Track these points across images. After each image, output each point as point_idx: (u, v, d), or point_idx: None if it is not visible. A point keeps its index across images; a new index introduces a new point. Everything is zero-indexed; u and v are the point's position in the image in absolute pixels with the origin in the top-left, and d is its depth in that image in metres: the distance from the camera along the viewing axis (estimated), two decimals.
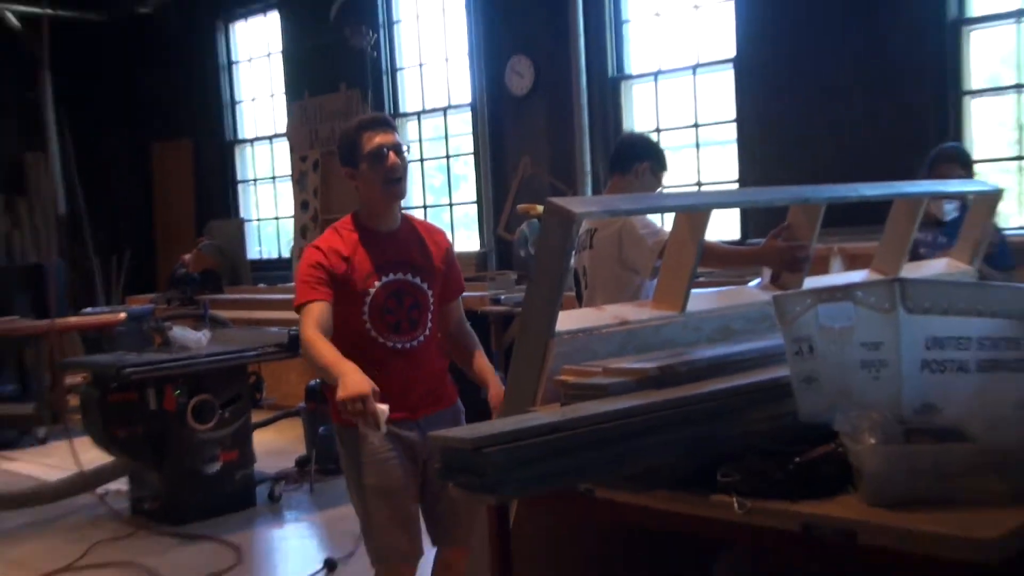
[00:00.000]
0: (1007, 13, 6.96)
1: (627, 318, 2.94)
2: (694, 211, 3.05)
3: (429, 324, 3.64)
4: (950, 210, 4.91)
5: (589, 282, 4.35)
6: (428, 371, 3.65)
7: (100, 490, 6.30)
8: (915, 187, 4.32)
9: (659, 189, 4.45)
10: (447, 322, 3.78)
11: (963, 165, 5.15)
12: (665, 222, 5.45)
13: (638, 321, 2.93)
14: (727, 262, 4.15)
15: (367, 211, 3.61)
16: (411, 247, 3.62)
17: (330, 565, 5.22)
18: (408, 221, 3.71)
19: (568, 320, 2.77)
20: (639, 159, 4.37)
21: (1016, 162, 7.07)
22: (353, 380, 3.04)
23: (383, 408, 3.04)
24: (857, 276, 3.76)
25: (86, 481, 6.19)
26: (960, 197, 4.86)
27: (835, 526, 2.01)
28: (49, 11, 5.35)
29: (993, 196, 4.11)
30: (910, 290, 2.21)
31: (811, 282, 3.40)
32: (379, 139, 3.49)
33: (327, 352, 3.23)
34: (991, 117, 7.19)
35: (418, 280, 3.59)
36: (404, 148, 3.56)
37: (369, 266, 3.50)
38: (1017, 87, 7.00)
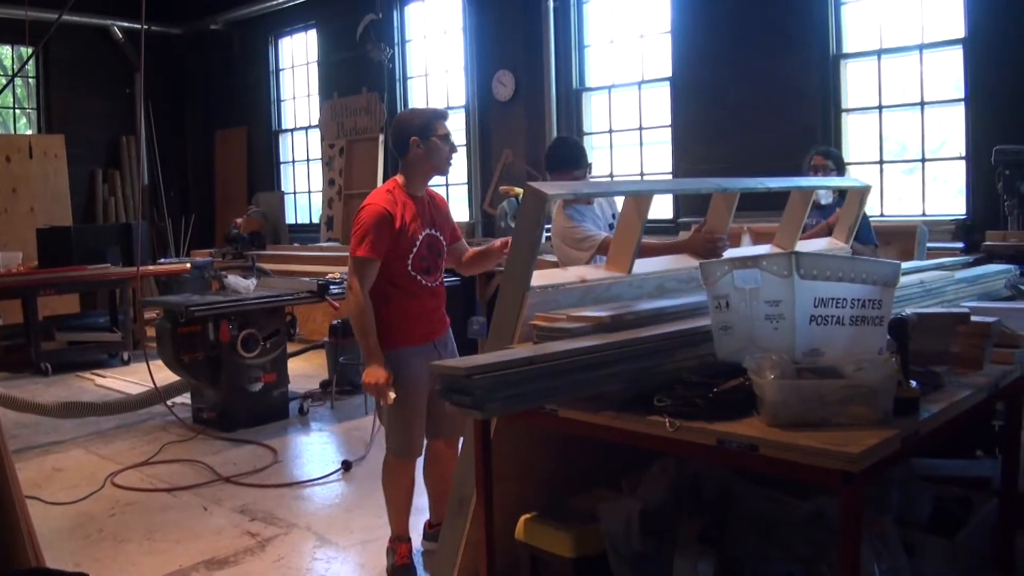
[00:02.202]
0: (872, 51, 7.01)
1: (586, 277, 2.94)
2: (639, 196, 3.06)
3: (443, 267, 3.73)
4: (824, 194, 4.97)
5: None
6: (441, 303, 3.75)
7: (169, 402, 6.28)
8: (807, 182, 4.35)
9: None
10: (461, 254, 3.84)
11: (831, 159, 5.20)
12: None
13: (594, 280, 2.94)
14: (661, 254, 4.08)
15: (412, 180, 3.60)
16: (434, 209, 3.68)
17: (346, 465, 5.23)
18: (427, 190, 3.74)
19: (540, 277, 2.78)
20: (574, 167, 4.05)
21: (878, 165, 7.11)
22: (376, 372, 3.42)
23: (392, 394, 3.46)
24: (763, 249, 3.78)
25: (159, 395, 6.18)
26: (837, 189, 4.93)
27: (742, 441, 2.03)
28: (144, 26, 5.27)
29: (863, 190, 4.15)
30: (803, 261, 2.22)
31: (728, 253, 3.42)
32: (448, 130, 3.61)
33: (372, 332, 3.45)
34: (861, 129, 7.22)
35: (438, 233, 3.66)
36: None
37: (414, 223, 3.53)
38: (879, 108, 7.03)
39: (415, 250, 3.54)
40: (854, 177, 5.55)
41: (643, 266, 3.12)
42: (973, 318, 2.58)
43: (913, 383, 2.16)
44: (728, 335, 2.33)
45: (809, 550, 2.47)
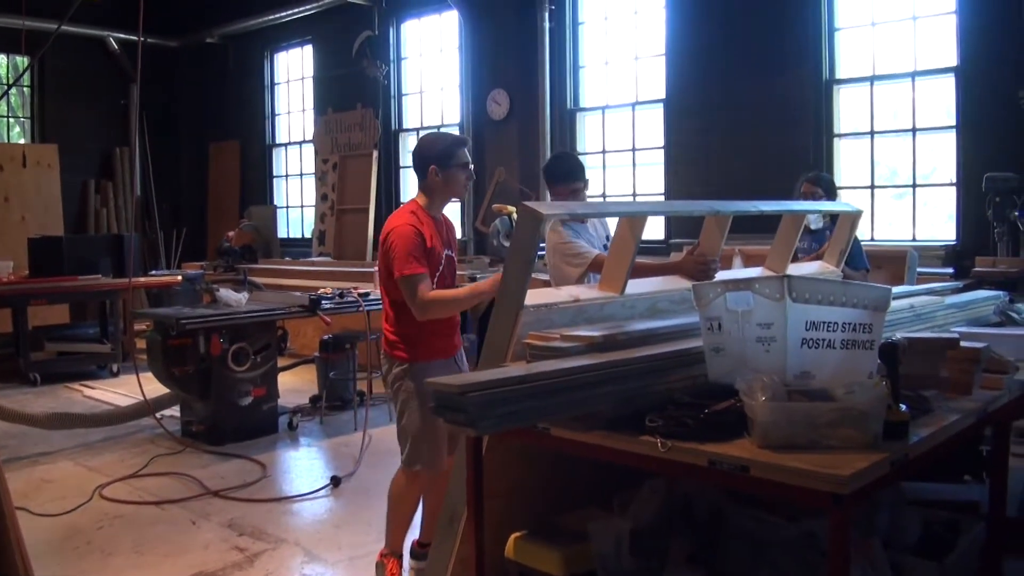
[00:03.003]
0: (864, 77, 7.10)
1: (579, 297, 2.95)
2: (633, 217, 3.08)
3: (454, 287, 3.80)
4: (815, 219, 5.01)
5: None
6: (458, 319, 3.82)
7: (159, 415, 6.26)
8: (799, 205, 4.38)
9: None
10: None
11: (821, 185, 5.24)
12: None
13: (587, 299, 2.95)
14: (654, 275, 4.08)
15: (433, 203, 3.67)
16: (448, 230, 3.77)
17: (335, 481, 5.22)
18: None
19: (533, 296, 2.77)
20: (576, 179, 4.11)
21: (869, 190, 7.17)
22: (490, 284, 3.38)
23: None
24: (754, 272, 3.79)
25: (148, 407, 6.16)
26: (828, 213, 4.96)
27: (733, 462, 2.04)
28: (140, 38, 5.31)
29: (855, 215, 4.18)
30: (795, 284, 2.24)
31: (721, 276, 3.43)
32: (467, 158, 3.70)
33: (460, 291, 3.57)
34: (852, 154, 7.29)
35: (452, 253, 3.75)
36: None
37: (438, 244, 3.60)
38: (871, 133, 7.10)
39: (440, 269, 3.60)
40: (845, 201, 5.60)
41: (636, 287, 3.13)
42: (963, 343, 2.60)
43: (903, 407, 2.17)
44: (720, 356, 2.35)
45: (799, 571, 2.48)
